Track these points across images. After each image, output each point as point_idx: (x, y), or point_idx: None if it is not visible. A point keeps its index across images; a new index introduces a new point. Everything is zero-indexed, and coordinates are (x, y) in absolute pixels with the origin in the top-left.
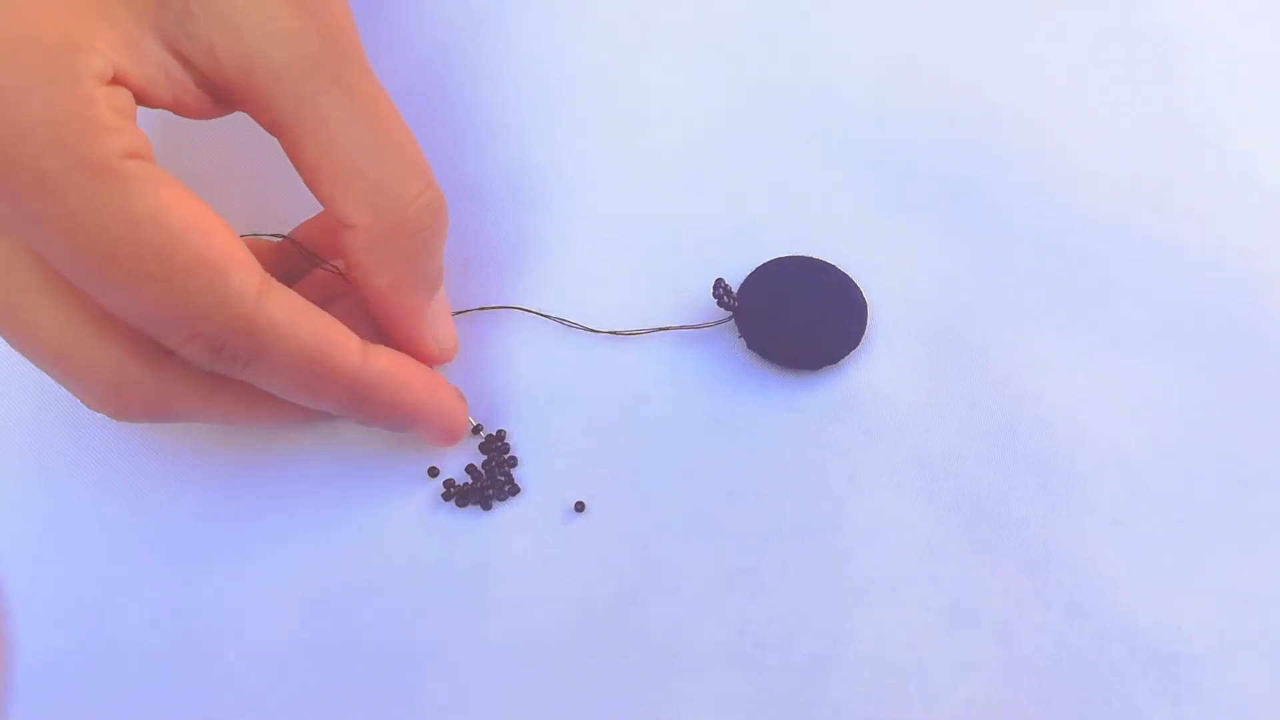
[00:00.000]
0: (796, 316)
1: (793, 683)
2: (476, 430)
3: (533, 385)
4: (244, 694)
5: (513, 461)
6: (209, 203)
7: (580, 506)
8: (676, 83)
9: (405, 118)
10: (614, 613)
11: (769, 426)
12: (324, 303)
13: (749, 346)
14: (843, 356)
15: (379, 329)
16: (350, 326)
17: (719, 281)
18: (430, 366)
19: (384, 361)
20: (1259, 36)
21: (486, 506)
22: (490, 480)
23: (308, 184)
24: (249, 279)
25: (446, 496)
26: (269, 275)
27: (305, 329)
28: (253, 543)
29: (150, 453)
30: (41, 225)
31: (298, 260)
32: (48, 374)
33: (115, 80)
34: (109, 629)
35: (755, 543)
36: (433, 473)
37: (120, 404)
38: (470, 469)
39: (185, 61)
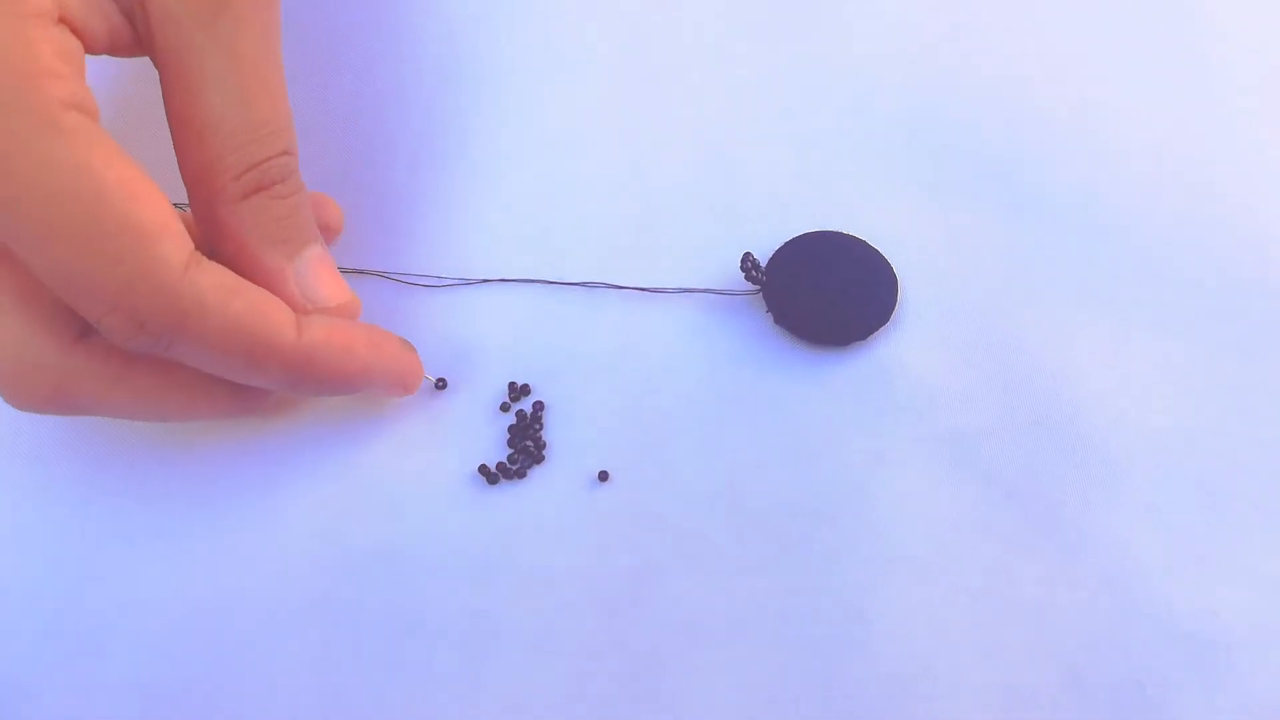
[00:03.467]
0: (825, 291)
1: (814, 658)
2: (440, 385)
3: (557, 355)
4: (259, 658)
5: (539, 423)
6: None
7: (604, 476)
8: (711, 56)
9: (433, 88)
10: (635, 583)
11: (796, 402)
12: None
13: (776, 321)
14: (872, 333)
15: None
16: None
17: (747, 255)
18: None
19: (320, 331)
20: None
21: (521, 475)
22: (520, 448)
23: (170, 130)
24: (177, 250)
25: (491, 480)
26: (199, 252)
27: (235, 304)
28: (273, 505)
29: None
30: None
31: None
32: None
33: (61, 20)
34: (125, 590)
35: (779, 517)
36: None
37: (20, 386)
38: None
39: None
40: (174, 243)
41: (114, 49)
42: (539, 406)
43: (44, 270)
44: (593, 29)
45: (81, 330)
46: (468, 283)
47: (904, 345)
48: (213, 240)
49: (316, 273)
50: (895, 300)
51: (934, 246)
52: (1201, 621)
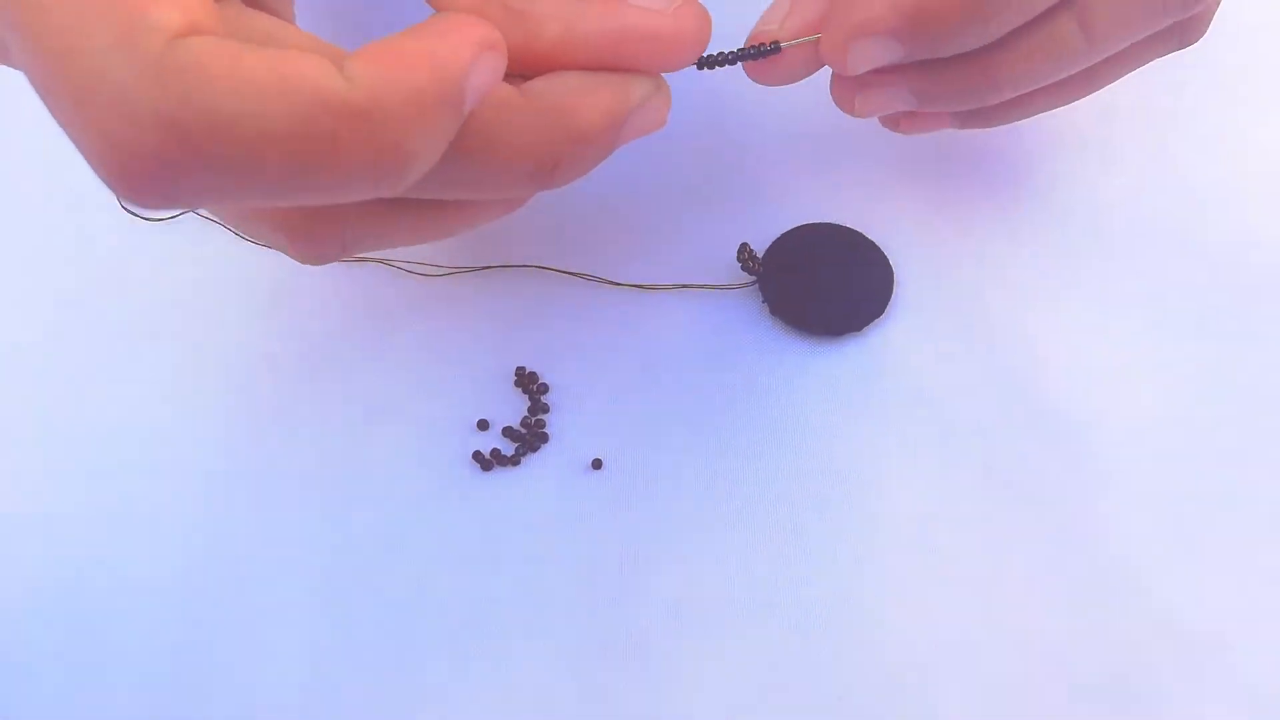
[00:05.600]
0: (821, 283)
1: (803, 645)
2: (534, 385)
3: (554, 343)
4: (254, 642)
5: (545, 408)
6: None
7: (597, 464)
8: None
9: None
10: (627, 570)
11: (790, 392)
12: None
13: (772, 312)
14: (867, 324)
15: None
16: None
17: (744, 246)
18: (673, 53)
19: (366, 65)
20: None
21: (515, 463)
22: (527, 424)
23: None
24: (169, 12)
25: (485, 466)
26: (218, 14)
27: (249, 61)
28: (268, 489)
29: (176, 393)
30: None
31: None
32: (242, 228)
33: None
34: (120, 574)
35: (771, 506)
36: (481, 425)
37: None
38: (507, 430)
39: None
40: (165, 7)
41: None
42: (543, 389)
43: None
44: None
45: None
46: (466, 270)
47: (899, 337)
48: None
49: None
50: (891, 292)
51: (930, 239)
52: (1192, 613)
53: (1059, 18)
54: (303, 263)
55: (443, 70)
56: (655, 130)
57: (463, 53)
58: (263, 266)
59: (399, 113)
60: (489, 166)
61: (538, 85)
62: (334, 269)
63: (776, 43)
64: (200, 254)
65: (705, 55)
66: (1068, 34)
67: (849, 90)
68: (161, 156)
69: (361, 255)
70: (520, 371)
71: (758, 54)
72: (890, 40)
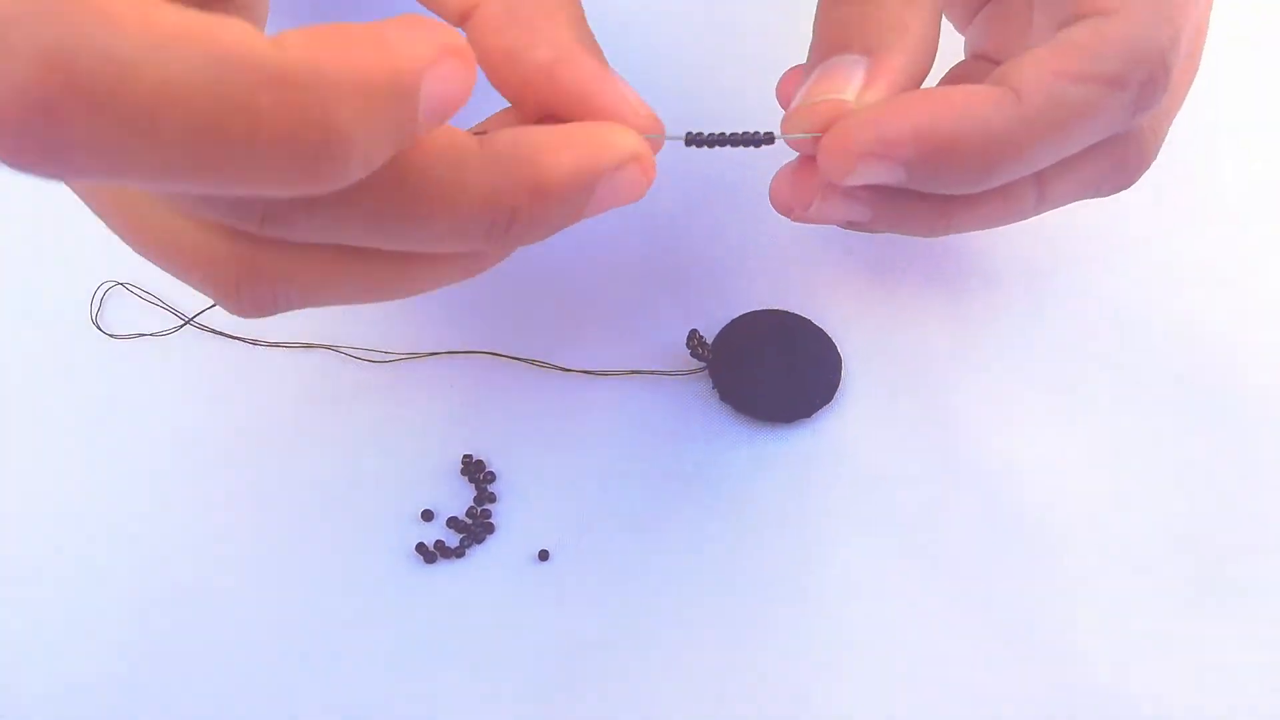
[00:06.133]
0: (771, 369)
1: None
2: (480, 473)
3: (502, 430)
4: None
5: (492, 497)
6: None
7: (544, 555)
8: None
9: None
10: (575, 663)
11: (740, 479)
12: None
13: (722, 398)
14: (815, 411)
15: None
16: None
17: (693, 333)
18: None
19: (305, 36)
20: (1232, 122)
21: (460, 555)
22: (473, 524)
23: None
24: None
25: (429, 559)
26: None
27: (160, 11)
28: (211, 578)
29: (109, 481)
30: None
31: None
32: (176, 275)
33: None
34: (54, 675)
35: (721, 596)
36: (426, 516)
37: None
38: (452, 520)
39: None
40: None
41: None
42: (490, 477)
43: None
44: None
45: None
46: (414, 356)
47: (848, 423)
48: (521, 49)
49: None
50: (839, 379)
51: (877, 327)
52: (1144, 703)
53: (1022, 181)
54: (235, 314)
55: (394, 56)
56: (632, 201)
57: (420, 48)
58: (204, 348)
59: (334, 87)
60: (439, 214)
61: (502, 135)
62: (279, 353)
63: (771, 133)
64: (138, 336)
65: (695, 133)
66: (1025, 195)
67: (810, 194)
68: (40, 97)
69: (308, 341)
70: (467, 460)
71: (750, 141)
72: (899, 166)
